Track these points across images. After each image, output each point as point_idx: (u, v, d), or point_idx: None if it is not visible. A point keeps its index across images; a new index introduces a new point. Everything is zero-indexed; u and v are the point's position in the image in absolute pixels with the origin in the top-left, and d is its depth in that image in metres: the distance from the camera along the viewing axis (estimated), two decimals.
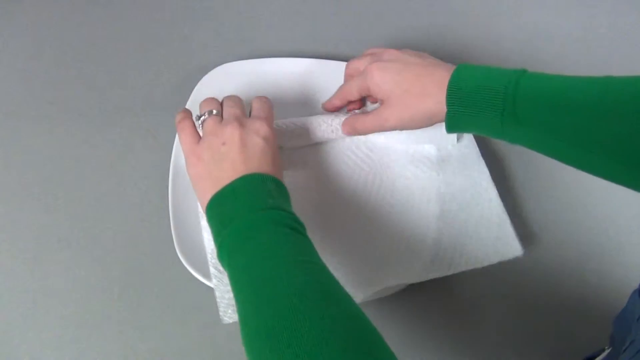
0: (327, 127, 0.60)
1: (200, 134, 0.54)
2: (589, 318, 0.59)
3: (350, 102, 0.62)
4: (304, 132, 0.60)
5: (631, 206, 0.63)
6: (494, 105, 0.48)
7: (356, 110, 0.62)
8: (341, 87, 0.61)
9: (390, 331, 0.56)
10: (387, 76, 0.54)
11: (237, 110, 0.53)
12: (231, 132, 0.50)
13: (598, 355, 0.54)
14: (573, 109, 0.46)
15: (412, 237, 0.57)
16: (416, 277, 0.55)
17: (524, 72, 0.49)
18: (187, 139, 0.53)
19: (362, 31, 0.69)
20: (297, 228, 0.46)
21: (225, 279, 0.53)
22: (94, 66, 0.67)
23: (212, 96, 0.57)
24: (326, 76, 0.65)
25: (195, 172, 0.51)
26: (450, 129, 0.52)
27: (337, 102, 0.62)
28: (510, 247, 0.55)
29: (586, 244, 0.62)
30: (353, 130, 0.59)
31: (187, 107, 0.62)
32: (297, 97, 0.64)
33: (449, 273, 0.55)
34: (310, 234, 0.48)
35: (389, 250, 0.56)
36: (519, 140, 0.49)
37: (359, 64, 0.59)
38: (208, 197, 0.49)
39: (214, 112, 0.53)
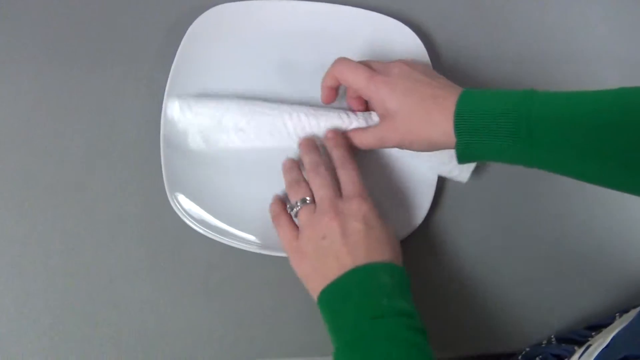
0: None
1: (296, 222, 0.52)
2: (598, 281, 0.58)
3: (351, 99, 0.56)
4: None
5: None
6: (508, 130, 0.45)
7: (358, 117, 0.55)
8: (335, 69, 0.54)
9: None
10: (393, 95, 0.50)
11: (328, 191, 0.50)
12: (328, 224, 0.47)
13: (608, 324, 0.51)
14: (592, 125, 0.43)
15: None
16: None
17: (532, 92, 0.46)
18: (286, 236, 0.50)
19: None
20: (414, 340, 0.43)
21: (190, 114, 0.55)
22: (82, 8, 0.63)
23: (292, 164, 0.55)
24: (334, 22, 0.61)
25: (301, 270, 0.49)
26: (461, 159, 0.49)
27: (328, 84, 0.55)
28: None
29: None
30: (356, 143, 0.55)
31: (179, 51, 0.59)
32: (301, 44, 0.61)
33: None
34: None
35: None
36: (536, 163, 0.46)
37: (352, 79, 0.53)
38: (318, 291, 0.47)
39: (307, 200, 0.50)
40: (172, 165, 0.56)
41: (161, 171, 0.55)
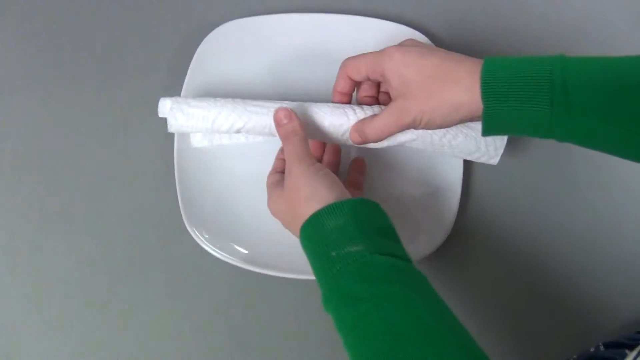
0: (335, 130, 0.51)
1: None
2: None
3: (359, 87, 0.52)
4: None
5: None
6: (540, 95, 0.41)
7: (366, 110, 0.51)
8: (342, 65, 0.50)
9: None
10: (408, 59, 0.45)
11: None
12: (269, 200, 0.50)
13: None
14: (633, 90, 0.40)
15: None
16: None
17: (563, 57, 0.43)
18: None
19: None
20: (370, 291, 0.40)
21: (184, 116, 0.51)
22: (91, 29, 0.62)
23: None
24: (340, 31, 0.60)
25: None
26: (487, 130, 0.45)
27: (339, 87, 0.51)
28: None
29: None
30: (363, 138, 0.49)
31: (190, 69, 0.58)
32: (309, 55, 0.60)
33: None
34: None
35: None
36: (570, 135, 0.43)
37: (360, 61, 0.48)
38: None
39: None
40: (187, 187, 0.55)
41: (177, 194, 0.54)
